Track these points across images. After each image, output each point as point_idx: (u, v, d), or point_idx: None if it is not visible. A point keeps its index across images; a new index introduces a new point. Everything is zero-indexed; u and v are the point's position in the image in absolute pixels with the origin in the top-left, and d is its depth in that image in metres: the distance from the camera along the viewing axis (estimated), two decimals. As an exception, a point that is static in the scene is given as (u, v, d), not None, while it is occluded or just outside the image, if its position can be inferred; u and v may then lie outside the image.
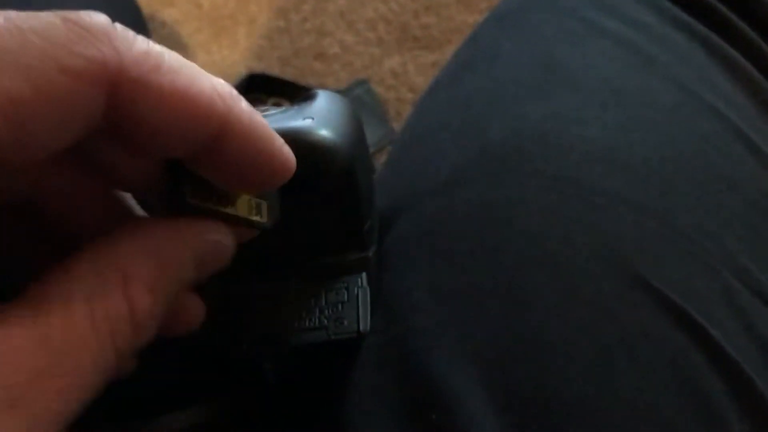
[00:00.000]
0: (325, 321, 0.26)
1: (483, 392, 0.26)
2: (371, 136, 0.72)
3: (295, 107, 0.26)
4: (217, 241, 0.21)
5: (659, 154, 0.31)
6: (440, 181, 0.32)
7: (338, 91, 0.77)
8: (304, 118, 0.24)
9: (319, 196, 0.24)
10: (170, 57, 0.18)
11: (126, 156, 0.20)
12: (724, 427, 0.26)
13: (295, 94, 0.75)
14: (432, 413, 0.25)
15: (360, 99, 0.70)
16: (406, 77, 0.77)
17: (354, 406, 0.27)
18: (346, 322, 0.26)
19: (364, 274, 0.27)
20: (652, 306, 0.27)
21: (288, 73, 0.79)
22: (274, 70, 0.80)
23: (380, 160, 0.73)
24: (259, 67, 0.81)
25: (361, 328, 0.26)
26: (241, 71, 0.79)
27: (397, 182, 0.35)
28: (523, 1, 0.40)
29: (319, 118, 0.24)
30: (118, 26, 0.17)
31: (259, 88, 0.76)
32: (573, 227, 0.29)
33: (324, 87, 0.77)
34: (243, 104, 0.19)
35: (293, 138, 0.23)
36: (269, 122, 0.24)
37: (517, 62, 0.36)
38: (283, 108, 0.26)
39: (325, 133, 0.24)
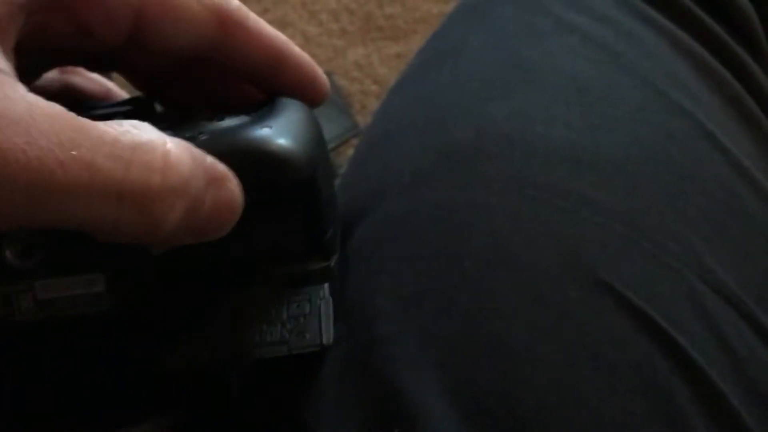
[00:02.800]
0: (287, 335, 0.25)
1: (446, 401, 0.25)
2: (334, 129, 0.71)
3: (253, 115, 0.25)
4: None
5: (624, 154, 0.31)
6: (403, 182, 0.31)
7: None
8: (262, 127, 0.23)
9: (279, 205, 0.23)
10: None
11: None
12: None
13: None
14: (395, 425, 0.25)
15: None
16: (371, 69, 0.76)
17: (318, 418, 0.27)
18: (308, 336, 0.25)
19: (326, 285, 0.26)
20: (616, 311, 0.27)
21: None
22: (236, 62, 0.78)
23: (345, 153, 0.71)
24: (220, 60, 0.79)
25: (324, 341, 0.25)
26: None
27: (361, 183, 0.34)
28: None
29: (278, 126, 0.24)
30: None
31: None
32: (537, 231, 0.28)
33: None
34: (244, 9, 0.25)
35: (251, 147, 0.23)
36: (226, 131, 0.23)
37: (482, 59, 0.36)
38: (240, 115, 0.25)
39: (283, 141, 0.23)
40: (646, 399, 0.25)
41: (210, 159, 0.21)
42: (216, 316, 0.25)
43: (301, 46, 0.88)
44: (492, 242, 0.28)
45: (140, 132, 0.20)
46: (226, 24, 0.25)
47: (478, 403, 0.25)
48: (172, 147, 0.20)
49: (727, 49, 0.38)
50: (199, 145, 0.22)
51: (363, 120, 0.73)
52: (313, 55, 0.85)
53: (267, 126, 0.23)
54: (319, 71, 0.28)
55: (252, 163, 0.22)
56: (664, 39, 0.37)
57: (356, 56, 0.77)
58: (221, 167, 0.21)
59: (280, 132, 0.23)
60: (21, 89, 0.19)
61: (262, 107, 0.25)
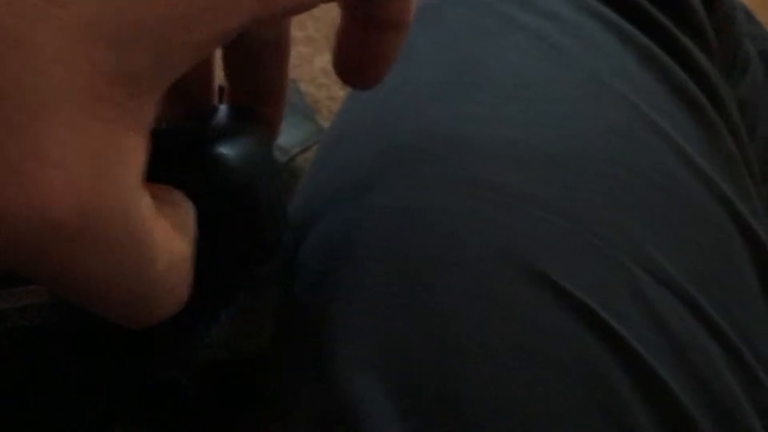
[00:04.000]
0: (230, 337, 0.25)
1: (387, 399, 0.25)
2: (298, 135, 0.71)
3: (194, 123, 0.25)
4: None
5: (564, 148, 0.31)
6: (351, 187, 0.32)
7: None
8: (202, 134, 0.24)
9: (217, 211, 0.24)
10: None
11: None
12: (632, 427, 0.26)
13: (222, 99, 0.74)
14: (338, 426, 0.25)
15: None
16: (337, 75, 0.76)
17: (269, 418, 0.27)
18: (250, 338, 0.25)
19: (272, 288, 0.26)
20: (555, 303, 0.27)
21: (218, 77, 0.78)
22: (203, 73, 0.79)
23: (311, 159, 0.72)
24: (189, 72, 0.79)
25: (265, 343, 0.25)
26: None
27: (316, 187, 0.35)
28: None
29: (216, 133, 0.24)
30: None
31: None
32: (477, 227, 0.29)
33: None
34: None
35: (187, 155, 0.23)
36: (163, 140, 0.23)
37: (431, 61, 0.36)
38: (182, 124, 0.25)
39: (219, 148, 0.24)
40: (587, 391, 0.26)
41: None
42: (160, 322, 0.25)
43: (267, 55, 0.85)
44: (434, 242, 0.28)
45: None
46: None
47: (418, 400, 0.25)
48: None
49: (674, 40, 0.39)
50: None
51: (330, 126, 0.74)
52: (279, 63, 0.84)
53: (207, 135, 0.24)
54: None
55: (188, 171, 0.23)
56: (611, 32, 0.38)
57: (323, 63, 0.77)
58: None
59: (217, 138, 0.24)
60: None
61: (204, 115, 0.26)
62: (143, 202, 0.18)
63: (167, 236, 0.19)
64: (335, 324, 0.28)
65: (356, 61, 0.28)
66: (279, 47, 0.30)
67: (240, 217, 0.25)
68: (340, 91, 0.75)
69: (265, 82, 0.30)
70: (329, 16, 0.78)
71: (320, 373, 0.27)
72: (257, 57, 0.29)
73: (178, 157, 0.23)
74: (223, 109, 0.27)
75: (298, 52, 0.78)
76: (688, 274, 0.30)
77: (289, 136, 0.64)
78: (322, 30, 0.78)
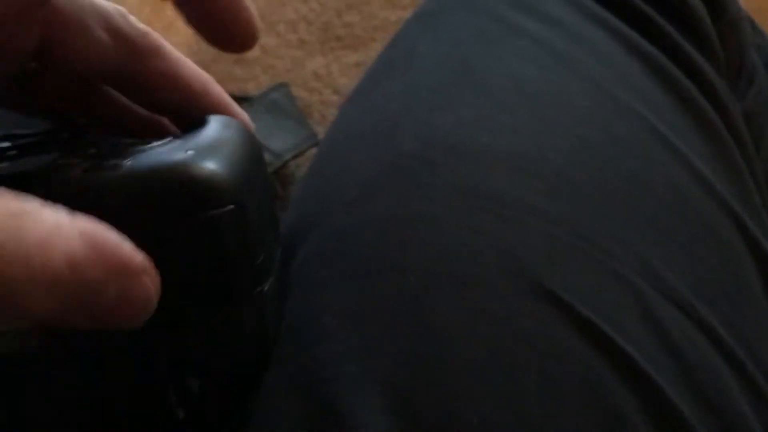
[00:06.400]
0: (213, 360, 0.24)
1: (387, 422, 0.24)
2: (291, 140, 0.70)
3: (181, 137, 0.24)
4: None
5: (570, 160, 0.30)
6: (350, 195, 0.30)
7: (255, 96, 0.75)
8: (186, 150, 0.22)
9: (201, 232, 0.22)
10: None
11: None
12: None
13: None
14: None
15: (276, 103, 0.68)
16: (330, 79, 0.75)
17: None
18: (243, 355, 0.24)
19: (268, 305, 0.25)
20: (561, 321, 0.26)
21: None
22: (193, 76, 0.77)
23: (304, 165, 0.70)
24: (178, 74, 0.78)
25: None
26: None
27: (309, 198, 0.33)
28: (442, 0, 0.39)
29: (202, 148, 0.22)
30: None
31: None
32: (482, 242, 0.27)
33: (245, 92, 0.75)
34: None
35: (171, 173, 0.22)
36: (149, 155, 0.22)
37: (431, 66, 0.35)
38: (168, 139, 0.24)
39: (205, 165, 0.22)
40: (593, 412, 0.25)
41: (127, 248, 0.20)
42: (146, 345, 0.24)
43: (260, 58, 0.86)
44: (436, 256, 0.27)
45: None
46: (137, 55, 0.25)
47: (420, 421, 0.24)
48: (57, 233, 0.19)
49: (680, 50, 0.38)
50: (124, 172, 0.21)
51: (322, 131, 0.72)
52: (271, 67, 0.84)
53: (190, 149, 0.22)
54: (238, 109, 0.28)
55: (171, 189, 0.21)
56: (616, 40, 0.37)
57: (315, 66, 0.76)
58: (137, 260, 0.20)
59: (203, 155, 0.22)
60: None
61: (193, 128, 0.25)
62: None
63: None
64: (329, 343, 0.27)
65: (219, 22, 0.26)
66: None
67: (225, 240, 0.23)
68: (332, 96, 0.74)
69: (164, 92, 0.27)
70: (321, 19, 0.77)
71: (315, 395, 0.26)
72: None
73: (154, 182, 0.21)
74: (207, 120, 0.25)
75: (290, 55, 0.77)
76: (696, 291, 0.29)
77: (281, 141, 0.63)
78: (314, 33, 0.77)
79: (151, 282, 0.20)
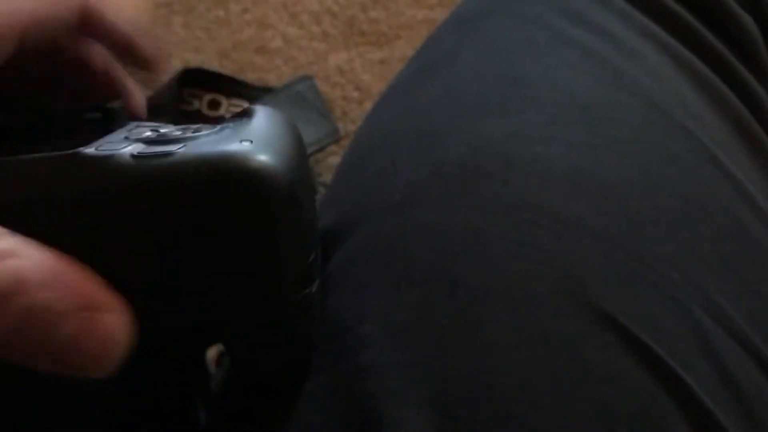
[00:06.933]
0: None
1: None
2: (314, 134, 0.68)
3: (230, 126, 0.23)
4: None
5: (626, 178, 0.29)
6: (394, 199, 0.29)
7: (279, 87, 0.73)
8: (241, 141, 0.21)
9: (257, 226, 0.21)
10: None
11: None
12: None
13: (233, 91, 0.71)
14: None
15: (302, 95, 0.67)
16: (353, 74, 0.73)
17: None
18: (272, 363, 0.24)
19: (303, 311, 0.24)
20: (620, 346, 0.25)
21: (227, 68, 0.75)
22: (213, 63, 0.76)
23: (324, 161, 0.69)
24: (197, 60, 0.76)
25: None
26: (177, 64, 0.75)
27: (348, 196, 0.32)
28: (485, 3, 0.38)
29: (258, 140, 0.21)
30: None
31: (196, 82, 0.71)
32: (534, 258, 0.26)
33: (265, 83, 0.73)
34: None
35: (229, 164, 0.20)
36: (201, 144, 0.21)
37: (478, 72, 0.34)
38: (218, 126, 0.22)
39: (265, 158, 0.21)
40: None
41: (94, 283, 0.18)
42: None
43: (281, 49, 0.85)
44: (487, 270, 0.26)
45: None
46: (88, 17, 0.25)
47: None
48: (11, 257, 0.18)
49: (729, 67, 0.36)
50: (175, 159, 0.20)
51: (343, 127, 0.71)
52: (292, 58, 0.82)
53: (245, 139, 0.21)
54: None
55: (228, 180, 0.20)
56: (665, 56, 0.36)
57: (338, 61, 0.74)
58: (103, 296, 0.19)
59: (260, 147, 0.21)
60: None
61: (241, 118, 0.23)
62: None
63: None
64: (372, 353, 0.25)
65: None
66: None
67: (282, 237, 0.22)
68: (354, 92, 0.73)
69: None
70: (346, 13, 0.76)
71: (357, 406, 0.25)
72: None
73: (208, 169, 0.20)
74: (254, 111, 0.24)
75: (312, 48, 0.75)
76: (753, 324, 0.28)
77: (304, 135, 0.61)
78: (338, 27, 0.75)
79: (117, 322, 0.19)
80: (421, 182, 0.29)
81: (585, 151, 0.29)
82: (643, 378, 0.25)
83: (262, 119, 0.23)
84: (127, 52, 0.27)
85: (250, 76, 0.74)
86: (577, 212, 0.27)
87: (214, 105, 0.71)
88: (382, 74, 0.73)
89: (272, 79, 0.74)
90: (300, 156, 0.23)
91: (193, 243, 0.20)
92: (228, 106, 0.71)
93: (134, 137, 0.22)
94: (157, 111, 0.70)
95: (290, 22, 0.76)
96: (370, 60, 0.74)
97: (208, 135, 0.22)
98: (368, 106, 0.72)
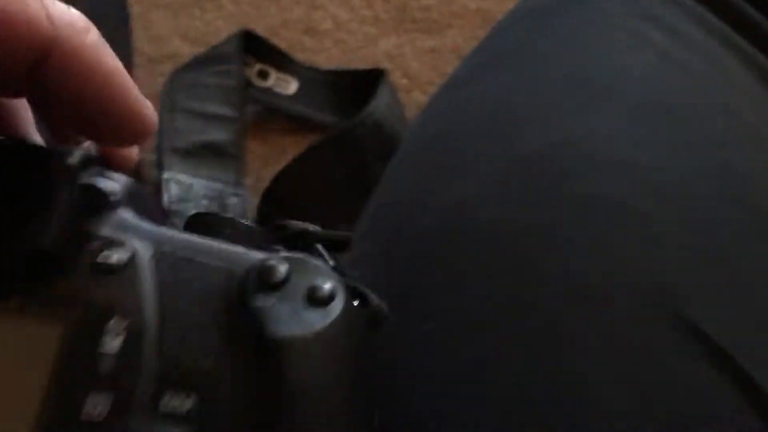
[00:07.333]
0: None
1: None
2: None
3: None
4: None
5: (712, 186, 0.29)
6: (467, 192, 0.28)
7: (345, 73, 0.71)
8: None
9: None
10: None
11: None
12: None
13: (284, 65, 0.70)
14: None
15: (390, 107, 0.64)
16: (403, 60, 0.72)
17: None
18: None
19: None
20: (705, 359, 0.24)
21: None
22: (261, 40, 0.75)
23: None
24: (245, 36, 0.75)
25: None
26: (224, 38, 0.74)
27: (412, 184, 0.32)
28: None
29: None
30: None
31: (251, 50, 0.70)
32: (616, 262, 0.26)
33: (314, 64, 0.72)
34: (89, 36, 0.18)
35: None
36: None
37: (555, 67, 0.33)
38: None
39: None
40: None
41: None
42: None
43: (331, 31, 0.83)
44: (565, 270, 0.25)
45: None
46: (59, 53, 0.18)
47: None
48: None
49: None
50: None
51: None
52: (342, 41, 0.81)
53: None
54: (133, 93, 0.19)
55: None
56: (742, 63, 0.35)
57: (388, 46, 0.73)
58: None
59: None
60: None
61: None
62: None
63: None
64: (434, 349, 0.25)
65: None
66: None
67: None
68: (402, 79, 0.72)
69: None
70: (399, -1, 0.75)
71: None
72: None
73: None
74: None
75: (363, 31, 0.74)
76: None
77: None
78: (390, 12, 0.74)
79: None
80: (496, 176, 0.29)
81: (670, 155, 0.29)
82: (729, 392, 0.24)
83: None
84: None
85: (299, 56, 0.73)
86: (662, 218, 0.27)
87: (263, 75, 0.71)
88: (432, 63, 0.72)
89: (322, 61, 0.73)
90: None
91: None
92: (276, 79, 0.71)
93: None
94: (218, 61, 0.69)
95: (340, 4, 0.75)
96: (421, 47, 0.73)
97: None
98: (416, 94, 0.71)
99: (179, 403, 0.17)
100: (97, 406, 0.17)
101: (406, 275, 0.28)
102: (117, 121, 0.18)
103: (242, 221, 0.20)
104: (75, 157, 0.18)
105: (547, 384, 0.24)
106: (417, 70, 0.72)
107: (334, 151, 0.64)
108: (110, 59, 0.18)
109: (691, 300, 0.25)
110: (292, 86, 0.71)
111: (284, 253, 0.19)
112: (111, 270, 0.17)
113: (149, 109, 0.19)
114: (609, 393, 0.24)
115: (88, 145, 0.21)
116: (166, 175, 0.63)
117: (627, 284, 0.25)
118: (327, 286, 0.18)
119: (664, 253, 0.26)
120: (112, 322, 0.17)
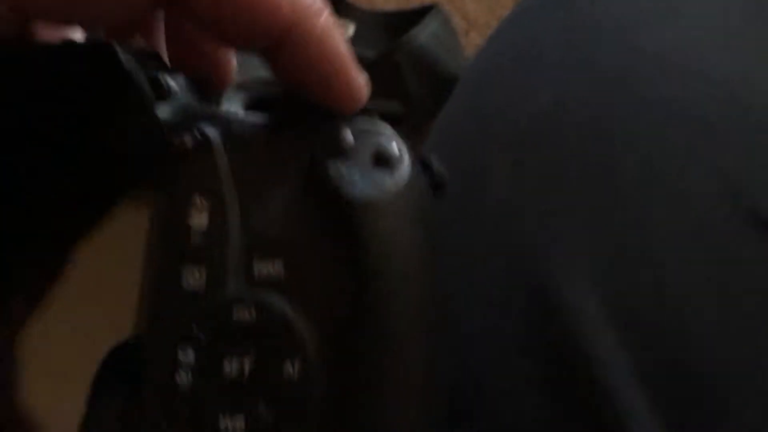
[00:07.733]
0: None
1: (602, 307, 0.25)
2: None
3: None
4: None
5: None
6: (541, 106, 0.30)
7: (402, 13, 0.71)
8: None
9: None
10: None
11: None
12: None
13: (342, 11, 0.71)
14: (551, 323, 0.25)
15: (437, 36, 0.64)
16: (461, 3, 0.73)
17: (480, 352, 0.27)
18: None
19: None
20: None
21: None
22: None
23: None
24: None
25: None
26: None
27: (488, 99, 0.33)
28: None
29: None
30: None
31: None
32: (692, 160, 0.27)
33: (374, 6, 0.73)
34: (320, 19, 0.19)
35: None
36: None
37: None
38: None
39: None
40: None
41: None
42: None
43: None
44: (643, 162, 0.27)
45: None
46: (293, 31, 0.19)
47: (657, 364, 0.24)
48: None
49: None
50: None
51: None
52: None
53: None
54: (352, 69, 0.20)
55: None
56: None
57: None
58: None
59: None
60: None
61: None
62: None
63: None
64: (543, 228, 0.27)
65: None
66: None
67: None
68: (461, 22, 0.72)
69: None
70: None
71: (528, 274, 0.27)
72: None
73: None
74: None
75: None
76: None
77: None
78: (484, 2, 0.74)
79: None
80: (570, 93, 0.30)
81: (743, 74, 0.29)
82: None
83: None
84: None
85: (360, 1, 0.73)
86: (734, 124, 0.28)
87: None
88: (489, 5, 0.72)
89: (379, 2, 0.74)
90: None
91: None
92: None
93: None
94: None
95: (399, -53, 0.76)
96: (479, -9, 0.73)
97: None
98: (473, 36, 0.71)
99: (270, 270, 0.18)
100: (193, 276, 0.18)
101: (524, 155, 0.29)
102: (334, 96, 0.19)
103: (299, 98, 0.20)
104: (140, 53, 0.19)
105: (632, 266, 0.25)
106: (475, 13, 0.72)
107: (370, 75, 0.64)
108: (338, 42, 0.19)
109: (758, 194, 0.26)
110: (349, 30, 0.72)
111: (348, 120, 0.20)
112: (188, 153, 0.19)
113: (364, 87, 0.20)
114: (692, 290, 0.25)
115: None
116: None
117: (702, 180, 0.26)
118: (393, 147, 0.19)
119: (738, 157, 0.27)
120: (196, 200, 0.18)
